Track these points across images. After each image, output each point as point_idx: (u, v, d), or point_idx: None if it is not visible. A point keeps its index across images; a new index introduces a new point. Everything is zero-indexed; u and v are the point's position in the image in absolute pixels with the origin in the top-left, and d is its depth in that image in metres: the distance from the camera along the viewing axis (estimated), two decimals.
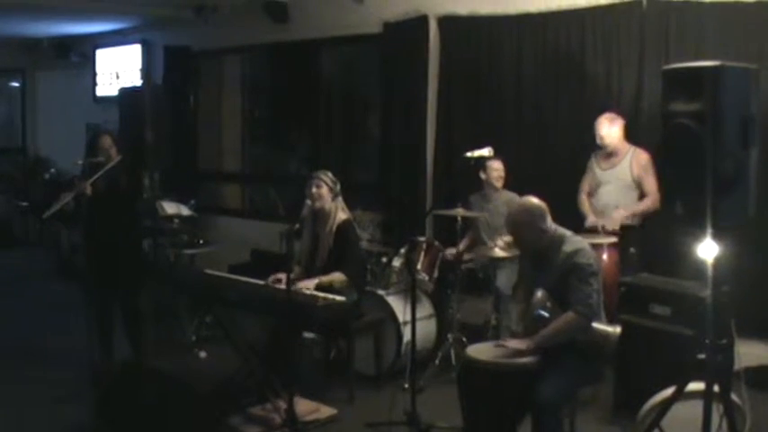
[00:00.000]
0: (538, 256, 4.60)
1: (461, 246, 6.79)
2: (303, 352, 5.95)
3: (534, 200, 4.65)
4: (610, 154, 6.37)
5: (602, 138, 6.31)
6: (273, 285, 5.70)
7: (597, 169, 6.45)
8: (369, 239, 7.25)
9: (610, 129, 6.29)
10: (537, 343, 4.37)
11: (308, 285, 5.57)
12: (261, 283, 5.78)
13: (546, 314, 4.44)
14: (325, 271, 5.84)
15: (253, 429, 5.24)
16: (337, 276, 5.78)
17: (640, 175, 6.21)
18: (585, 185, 6.55)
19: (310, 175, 6.03)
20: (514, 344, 4.44)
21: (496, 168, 6.79)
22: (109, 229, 6.21)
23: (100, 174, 6.13)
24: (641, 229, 6.26)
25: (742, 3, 5.99)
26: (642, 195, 6.26)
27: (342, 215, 5.96)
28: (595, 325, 4.42)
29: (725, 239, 3.50)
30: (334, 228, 5.91)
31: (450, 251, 6.56)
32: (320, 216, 5.95)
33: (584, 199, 6.52)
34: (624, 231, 6.21)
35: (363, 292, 6.18)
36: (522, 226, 4.59)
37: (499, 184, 6.83)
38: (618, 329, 4.59)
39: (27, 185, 13.32)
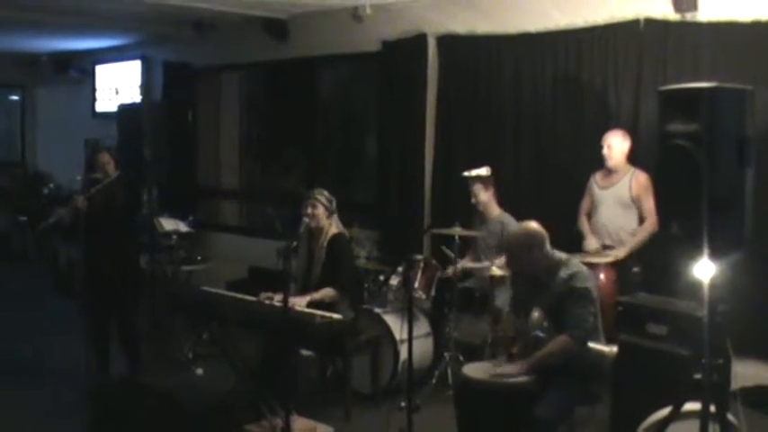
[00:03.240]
0: (534, 280, 4.61)
1: (463, 263, 6.82)
2: (300, 369, 5.94)
3: (532, 225, 4.65)
4: (610, 172, 6.38)
5: (610, 148, 6.29)
6: (265, 301, 5.74)
7: (596, 188, 6.47)
8: (366, 257, 7.25)
9: (622, 143, 6.30)
10: (530, 365, 4.38)
11: (299, 303, 5.58)
12: (254, 299, 5.81)
13: (542, 335, 4.45)
14: (320, 286, 5.86)
15: None
16: (327, 292, 5.81)
17: (639, 195, 6.22)
18: (585, 206, 6.57)
19: (307, 194, 6.05)
20: (509, 369, 4.44)
21: (475, 193, 6.81)
22: (106, 244, 6.21)
23: (96, 189, 6.14)
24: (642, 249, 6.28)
25: (738, 23, 6.02)
26: (640, 216, 6.27)
27: (334, 229, 6.00)
28: (592, 345, 4.42)
29: (721, 259, 3.50)
30: (326, 242, 5.95)
31: (447, 272, 6.59)
32: (315, 233, 5.98)
33: (583, 220, 6.53)
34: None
35: (360, 309, 6.19)
36: (518, 250, 4.59)
37: (480, 207, 6.85)
38: (614, 349, 4.59)
39: (26, 200, 13.32)
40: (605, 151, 6.33)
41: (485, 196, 6.80)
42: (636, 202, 6.26)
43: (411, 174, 8.14)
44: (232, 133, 11.03)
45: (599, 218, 6.44)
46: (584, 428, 5.23)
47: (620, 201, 6.31)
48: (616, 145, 6.30)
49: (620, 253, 6.19)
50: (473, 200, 6.82)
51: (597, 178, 6.50)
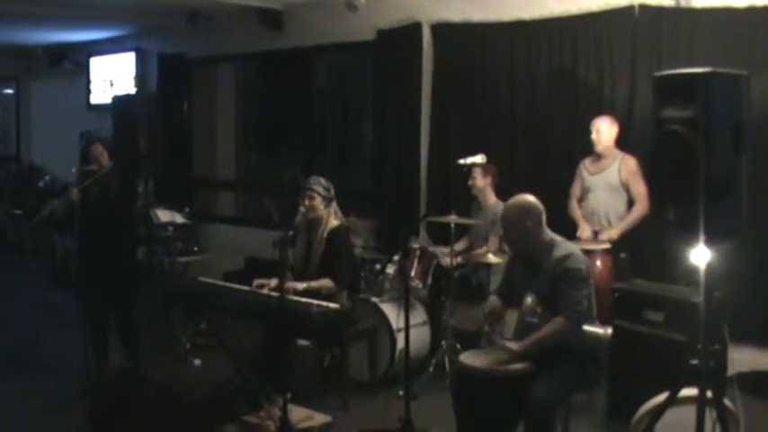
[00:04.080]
0: (529, 261, 4.60)
1: (459, 246, 6.83)
2: (297, 359, 5.95)
3: (530, 198, 4.62)
4: (599, 157, 6.41)
5: (599, 132, 6.33)
6: (258, 290, 5.73)
7: (586, 174, 6.50)
8: (363, 246, 7.25)
9: (610, 129, 6.34)
10: (526, 347, 4.37)
11: (296, 287, 5.56)
12: (248, 288, 5.80)
13: (535, 320, 4.44)
14: (318, 276, 5.85)
15: None
16: (325, 283, 5.78)
17: (629, 179, 6.27)
18: (576, 191, 6.60)
19: (303, 185, 6.01)
20: (507, 343, 4.44)
21: (473, 177, 6.83)
22: (102, 236, 6.20)
23: (89, 181, 6.12)
24: (630, 233, 6.29)
25: (733, 9, 6.02)
26: (630, 200, 6.30)
27: (334, 221, 5.97)
28: (587, 327, 4.43)
29: (717, 245, 3.50)
30: (326, 233, 5.92)
31: (443, 250, 6.59)
32: (313, 223, 5.96)
33: (574, 205, 6.57)
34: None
35: (357, 299, 6.18)
36: (513, 222, 4.55)
37: (474, 191, 6.88)
38: (609, 331, 4.61)
39: (21, 193, 13.31)
40: (594, 136, 6.37)
41: (481, 182, 6.80)
42: (625, 187, 6.30)
43: (407, 162, 8.14)
44: (228, 124, 11.02)
45: (589, 203, 6.48)
46: (581, 414, 5.26)
47: (610, 186, 6.35)
48: (604, 129, 6.34)
49: (613, 233, 6.23)
50: (470, 182, 6.82)
51: (587, 164, 6.52)
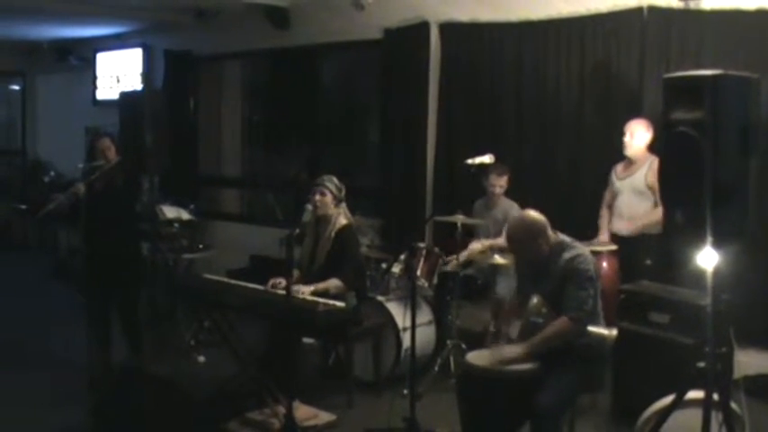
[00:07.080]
0: (537, 265, 4.59)
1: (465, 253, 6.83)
2: (302, 357, 5.94)
3: (533, 215, 4.60)
4: (630, 162, 6.31)
5: (632, 135, 6.20)
6: (273, 289, 5.71)
7: (615, 179, 6.41)
8: (368, 245, 7.24)
9: (644, 133, 6.20)
10: (530, 348, 4.36)
11: (303, 290, 5.55)
12: (260, 288, 5.79)
13: (540, 320, 4.44)
14: (323, 276, 5.82)
15: None
16: (333, 283, 5.75)
17: (654, 182, 6.14)
18: (607, 198, 6.52)
19: (316, 181, 5.99)
20: (509, 350, 4.43)
21: (492, 184, 6.79)
22: (107, 231, 6.20)
23: (96, 175, 6.12)
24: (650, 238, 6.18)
25: (743, 11, 6.00)
26: (656, 204, 6.20)
27: (342, 220, 5.95)
28: (591, 328, 4.41)
29: (724, 248, 3.50)
30: (334, 233, 5.90)
31: (451, 258, 6.58)
32: (322, 221, 5.94)
33: (604, 213, 6.52)
34: (640, 240, 6.19)
35: (363, 299, 6.16)
36: (522, 243, 4.55)
37: (495, 195, 6.85)
38: (614, 332, 4.59)
39: (26, 188, 13.32)
40: (627, 139, 6.24)
41: (502, 186, 6.79)
42: (652, 190, 6.14)
43: (413, 161, 8.12)
44: (233, 121, 11.02)
45: (615, 209, 6.41)
46: (586, 415, 5.25)
47: (636, 189, 6.24)
48: (638, 134, 6.19)
49: (622, 230, 6.23)
50: (492, 189, 6.79)
51: (618, 170, 6.41)
